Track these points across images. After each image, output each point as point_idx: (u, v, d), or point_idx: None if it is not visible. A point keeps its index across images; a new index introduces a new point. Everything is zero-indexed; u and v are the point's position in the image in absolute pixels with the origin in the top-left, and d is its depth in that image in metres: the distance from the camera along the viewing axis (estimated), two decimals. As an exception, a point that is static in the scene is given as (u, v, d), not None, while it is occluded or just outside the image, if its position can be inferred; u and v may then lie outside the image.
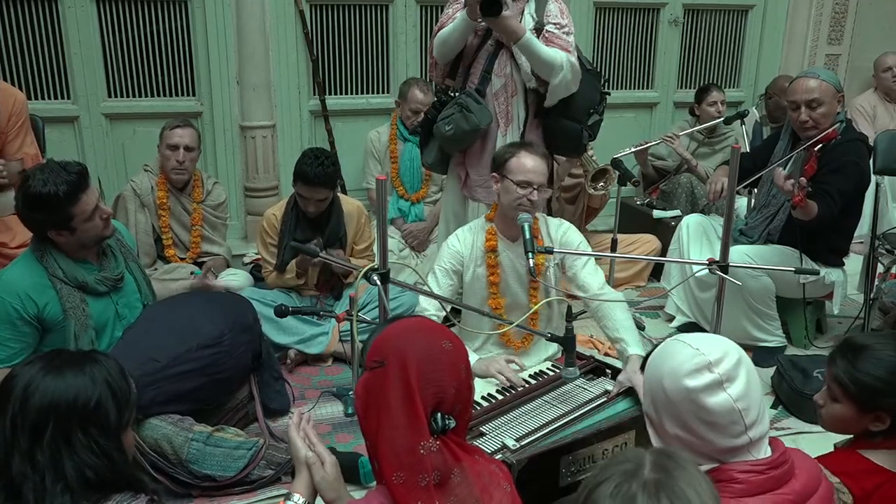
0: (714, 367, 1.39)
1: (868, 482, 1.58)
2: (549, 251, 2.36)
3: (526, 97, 3.09)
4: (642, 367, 1.83)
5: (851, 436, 1.77)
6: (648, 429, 1.52)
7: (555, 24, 3.01)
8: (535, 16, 3.02)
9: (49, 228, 2.37)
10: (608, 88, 3.36)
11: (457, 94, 3.06)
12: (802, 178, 2.85)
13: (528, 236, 2.29)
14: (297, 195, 3.23)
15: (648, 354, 1.87)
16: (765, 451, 1.42)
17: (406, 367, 1.39)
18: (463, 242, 2.72)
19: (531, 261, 2.23)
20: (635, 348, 2.43)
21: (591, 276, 2.62)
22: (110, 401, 1.42)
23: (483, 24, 2.99)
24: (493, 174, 2.65)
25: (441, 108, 3.10)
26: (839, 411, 1.70)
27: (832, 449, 1.83)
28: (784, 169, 3.18)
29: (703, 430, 1.40)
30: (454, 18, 3.00)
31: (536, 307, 2.63)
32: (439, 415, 1.40)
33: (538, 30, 3.01)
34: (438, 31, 3.07)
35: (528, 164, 2.56)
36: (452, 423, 1.41)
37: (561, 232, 2.73)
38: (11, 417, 1.37)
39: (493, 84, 3.05)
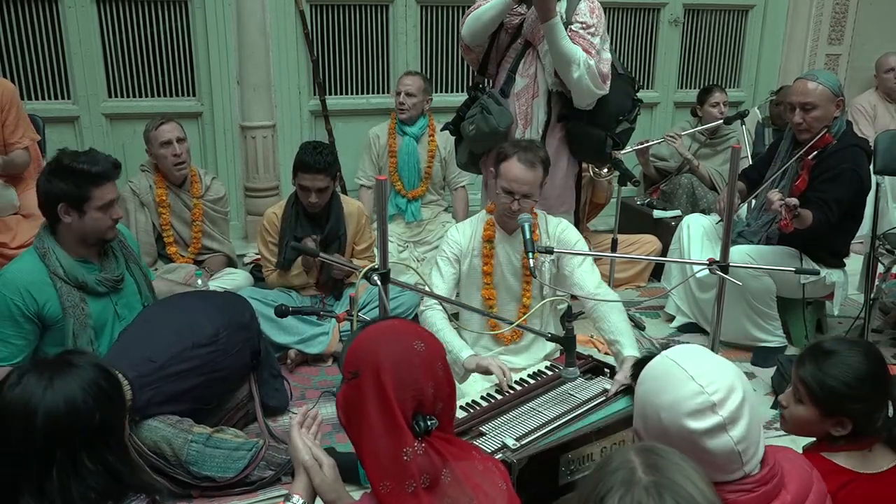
0: (718, 408, 1.33)
1: (832, 483, 1.58)
2: (549, 251, 2.33)
3: (549, 100, 3.05)
4: (634, 378, 1.81)
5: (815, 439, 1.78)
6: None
7: (581, 23, 2.95)
8: (563, 15, 2.96)
9: (62, 202, 2.37)
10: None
11: (482, 92, 3.05)
12: (791, 199, 2.83)
13: (528, 236, 2.27)
14: (297, 187, 3.22)
15: (640, 361, 1.85)
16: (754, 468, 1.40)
17: (380, 375, 1.36)
18: (462, 233, 2.75)
19: (532, 260, 2.23)
20: (630, 350, 2.44)
21: (587, 275, 2.62)
22: (109, 411, 1.36)
23: (519, 14, 2.96)
24: (492, 168, 2.64)
25: (470, 105, 3.08)
26: (802, 413, 1.73)
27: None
28: (781, 181, 3.19)
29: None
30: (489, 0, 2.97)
31: (537, 307, 2.63)
32: (420, 417, 1.38)
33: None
34: (471, 12, 3.02)
35: (514, 172, 2.52)
36: (435, 423, 1.39)
37: (560, 230, 2.73)
38: (14, 445, 1.29)
39: (516, 84, 3.02)
